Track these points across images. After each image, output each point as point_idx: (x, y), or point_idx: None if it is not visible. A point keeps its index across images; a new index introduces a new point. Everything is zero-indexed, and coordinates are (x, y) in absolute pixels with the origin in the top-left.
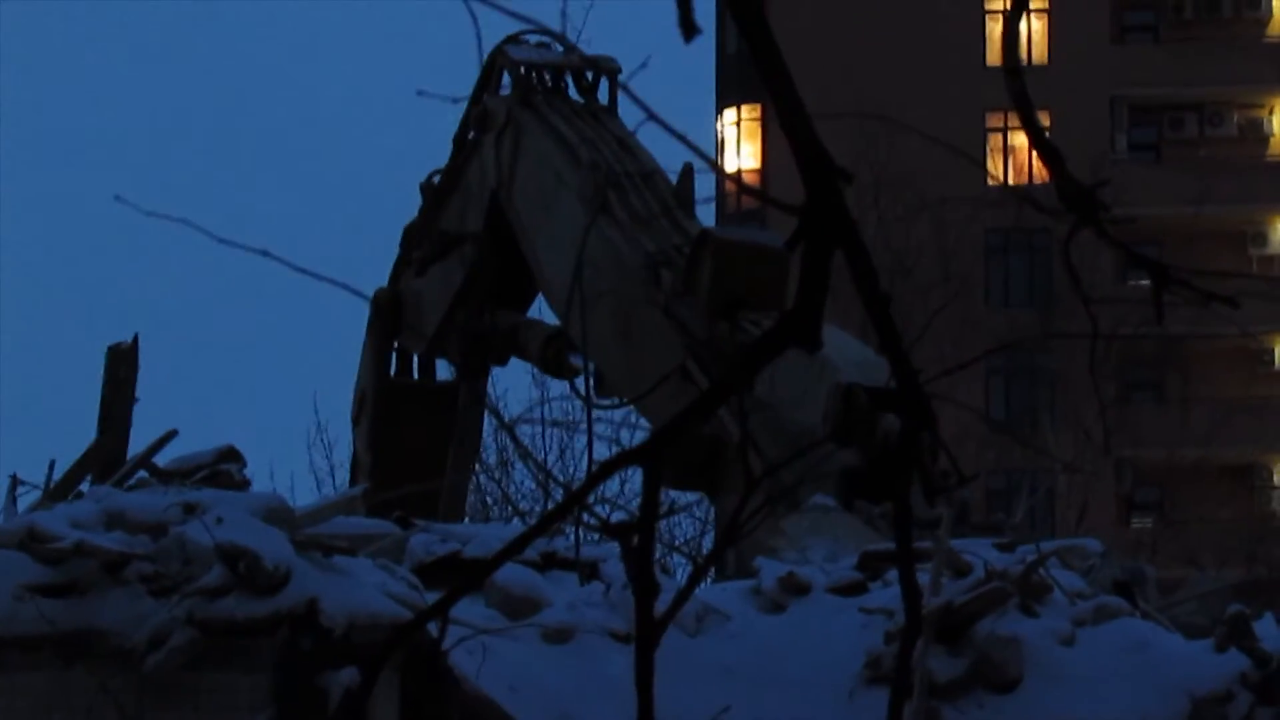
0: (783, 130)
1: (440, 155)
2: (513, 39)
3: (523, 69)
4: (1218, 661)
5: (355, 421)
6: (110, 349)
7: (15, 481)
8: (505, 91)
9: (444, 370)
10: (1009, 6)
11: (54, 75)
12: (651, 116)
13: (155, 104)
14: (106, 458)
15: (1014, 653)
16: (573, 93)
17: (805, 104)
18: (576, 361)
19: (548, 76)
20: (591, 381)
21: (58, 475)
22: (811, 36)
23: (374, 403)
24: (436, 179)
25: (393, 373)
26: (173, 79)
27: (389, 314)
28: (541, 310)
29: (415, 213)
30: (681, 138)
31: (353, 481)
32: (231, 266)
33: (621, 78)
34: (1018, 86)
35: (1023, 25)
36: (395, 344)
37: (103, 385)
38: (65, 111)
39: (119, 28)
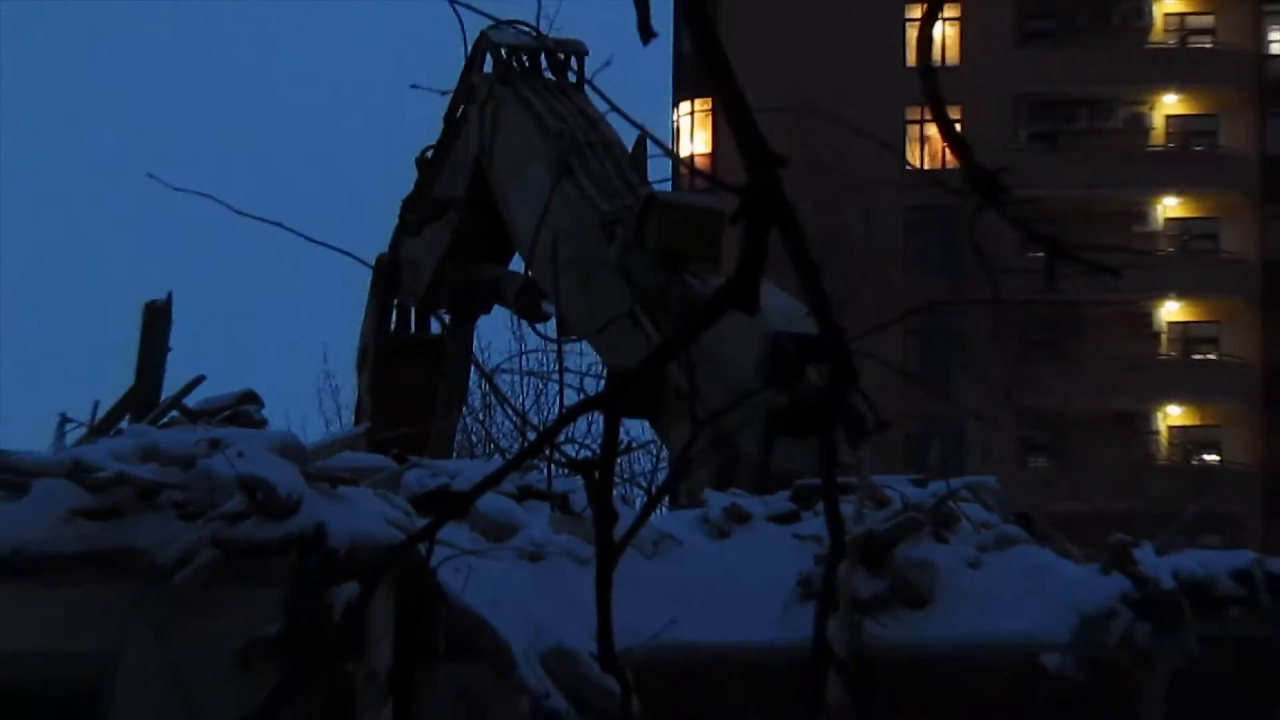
0: (727, 122)
1: (427, 136)
2: (494, 26)
3: (503, 51)
4: (1103, 583)
5: (359, 370)
6: (147, 305)
7: (63, 420)
8: (489, 71)
9: (435, 331)
10: (924, 14)
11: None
12: (614, 109)
13: (174, 92)
14: (143, 400)
15: (927, 574)
16: (546, 73)
17: (747, 99)
18: (548, 308)
19: (524, 58)
20: (557, 326)
21: (101, 415)
22: (755, 41)
23: (374, 354)
24: (429, 154)
25: (391, 327)
26: (189, 69)
27: (388, 276)
28: (520, 266)
29: (411, 188)
30: (640, 127)
31: (356, 422)
32: (250, 236)
33: (588, 74)
34: (931, 85)
35: (936, 31)
36: (394, 302)
37: (140, 337)
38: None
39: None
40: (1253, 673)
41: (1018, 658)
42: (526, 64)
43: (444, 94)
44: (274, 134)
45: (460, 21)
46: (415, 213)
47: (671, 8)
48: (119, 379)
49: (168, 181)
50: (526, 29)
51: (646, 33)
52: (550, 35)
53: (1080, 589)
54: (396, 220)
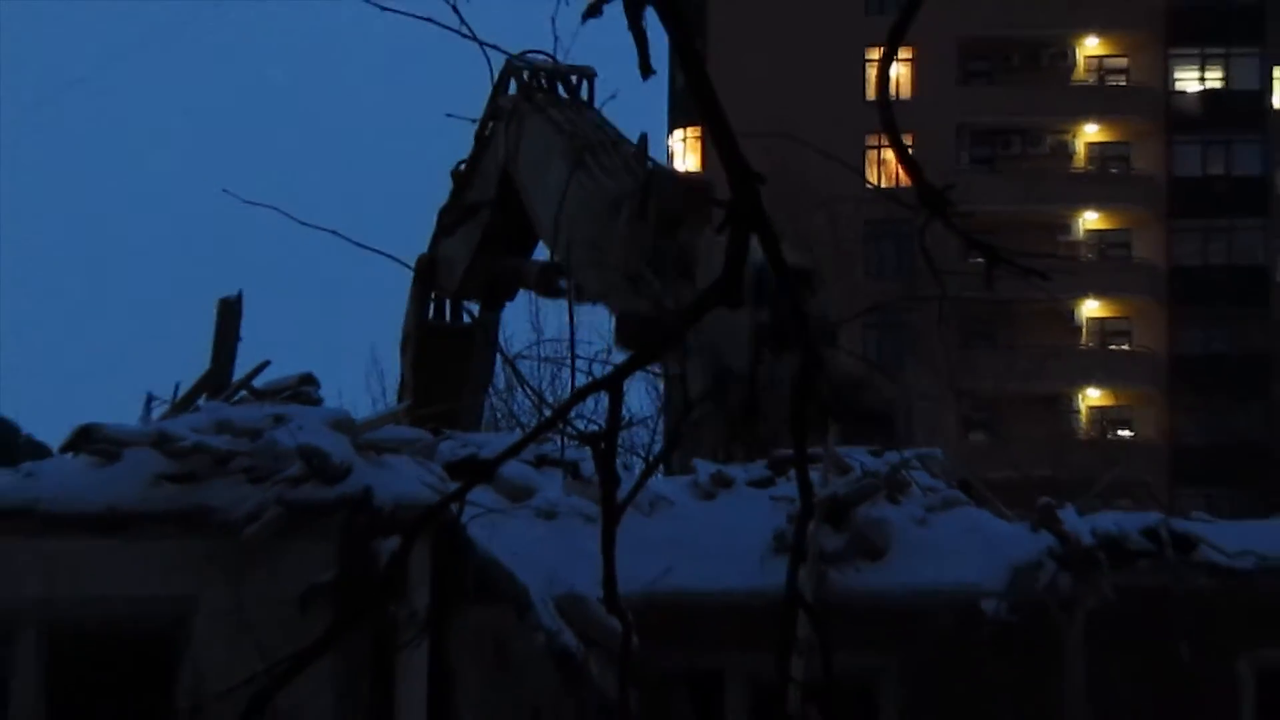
0: (714, 146)
1: (458, 152)
2: (518, 55)
3: (525, 75)
4: (1031, 539)
5: (402, 353)
6: (221, 301)
7: (150, 398)
8: (513, 92)
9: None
10: (882, 57)
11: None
12: (622, 139)
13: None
14: (217, 381)
15: (882, 531)
16: (561, 93)
17: (731, 126)
18: (564, 284)
19: (543, 80)
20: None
21: (181, 394)
22: (738, 77)
23: (415, 341)
24: (462, 166)
25: (429, 317)
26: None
27: (427, 273)
28: (539, 257)
29: (446, 197)
30: (642, 150)
31: (400, 398)
32: (310, 242)
33: (597, 100)
34: (887, 116)
35: (892, 70)
36: (431, 295)
37: (215, 328)
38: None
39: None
40: (1157, 615)
41: (959, 603)
42: (545, 85)
43: (473, 121)
44: (324, 152)
45: (485, 55)
46: (451, 216)
47: (667, 47)
48: (197, 364)
49: (239, 195)
50: (544, 56)
51: (646, 69)
52: (564, 62)
53: (1012, 544)
54: (434, 226)
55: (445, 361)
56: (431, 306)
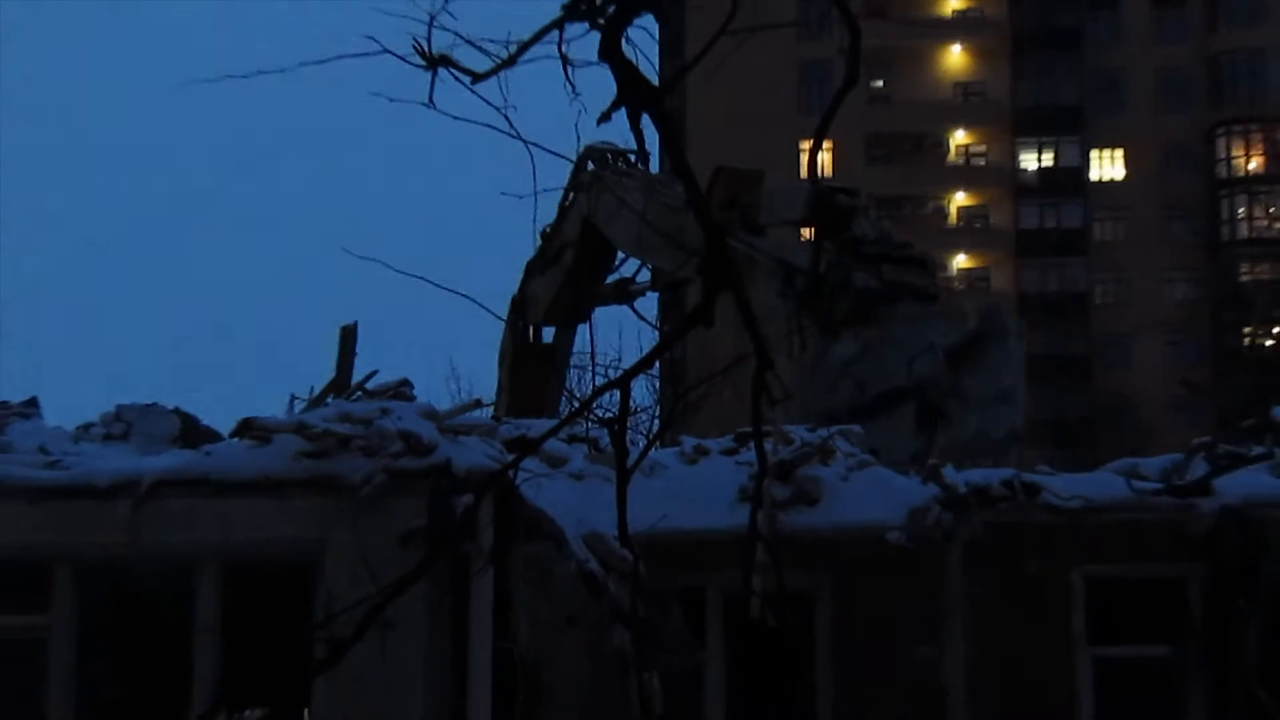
0: (692, 210)
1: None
2: (592, 143)
3: (597, 156)
4: (923, 489)
5: (500, 366)
6: (342, 328)
7: (292, 398)
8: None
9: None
10: (811, 146)
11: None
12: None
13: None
14: (340, 385)
15: (816, 485)
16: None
17: (701, 191)
18: (634, 288)
19: (610, 156)
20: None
21: (314, 394)
22: (705, 157)
23: (510, 357)
24: (547, 229)
25: (521, 340)
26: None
27: (519, 308)
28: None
29: (532, 252)
30: (642, 217)
31: (497, 399)
32: (405, 284)
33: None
34: (817, 186)
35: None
36: (521, 323)
37: (338, 347)
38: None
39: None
40: (1013, 542)
41: (872, 536)
42: (611, 160)
43: (520, 197)
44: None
45: (530, 153)
46: (541, 262)
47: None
48: (326, 372)
49: (354, 252)
50: (609, 143)
51: (644, 158)
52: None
53: (908, 493)
54: (523, 274)
55: (532, 371)
56: (523, 329)
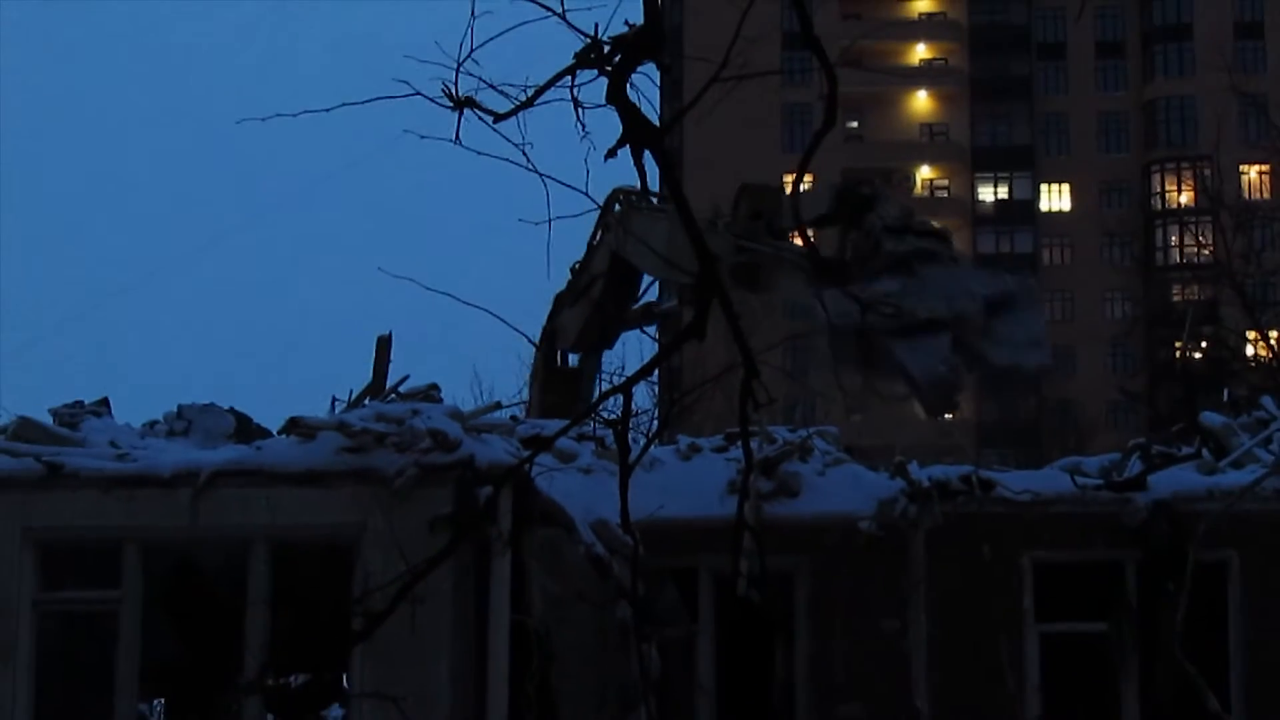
0: (688, 239)
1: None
2: (620, 186)
3: (623, 196)
4: (891, 483)
5: (530, 384)
6: (379, 338)
7: (334, 400)
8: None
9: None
10: (794, 180)
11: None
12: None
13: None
14: (376, 389)
15: (796, 479)
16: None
17: (696, 220)
18: (659, 310)
19: (634, 197)
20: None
21: (353, 397)
22: (697, 191)
23: (540, 380)
24: (576, 265)
25: (551, 364)
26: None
27: (549, 336)
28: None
29: (563, 284)
30: (647, 247)
31: (527, 414)
32: (437, 302)
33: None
34: (799, 218)
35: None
36: (551, 347)
37: (374, 356)
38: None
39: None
40: (970, 531)
41: (845, 524)
42: (635, 200)
43: (534, 223)
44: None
45: (545, 188)
46: (571, 296)
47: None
48: (363, 377)
49: (390, 272)
50: (634, 188)
51: (646, 193)
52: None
53: (878, 486)
54: (552, 306)
55: (561, 390)
56: (554, 354)
